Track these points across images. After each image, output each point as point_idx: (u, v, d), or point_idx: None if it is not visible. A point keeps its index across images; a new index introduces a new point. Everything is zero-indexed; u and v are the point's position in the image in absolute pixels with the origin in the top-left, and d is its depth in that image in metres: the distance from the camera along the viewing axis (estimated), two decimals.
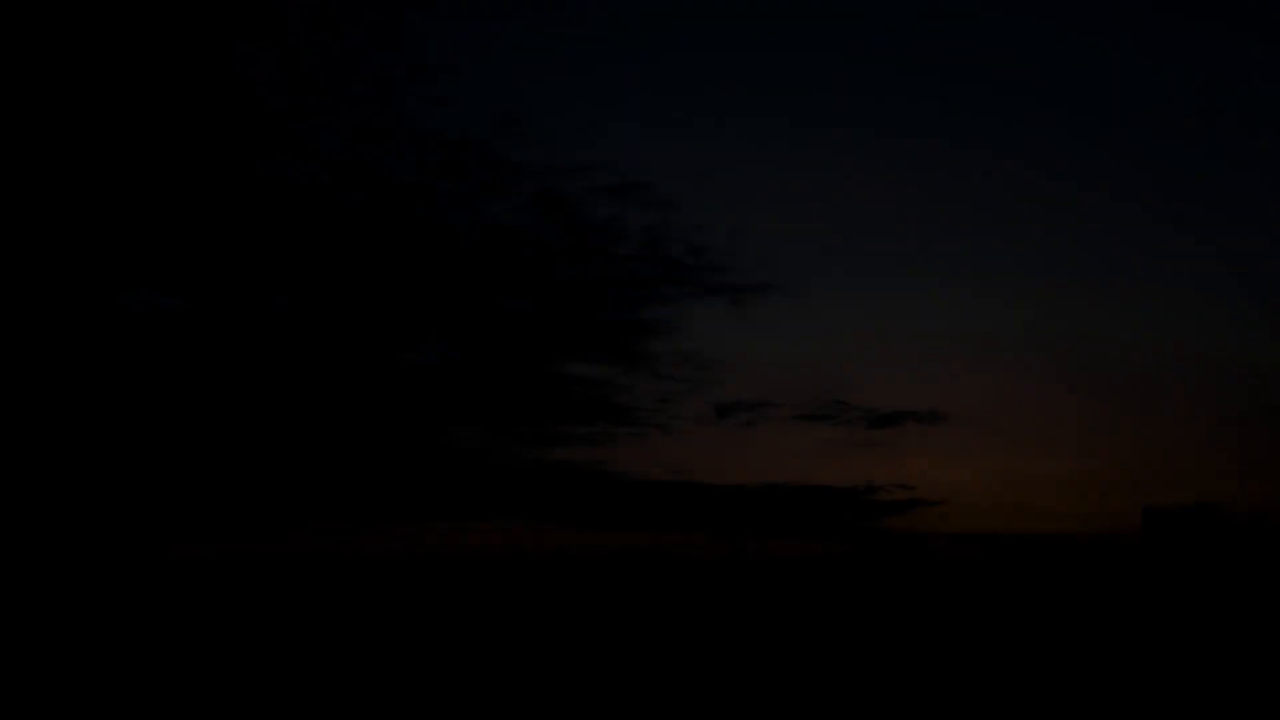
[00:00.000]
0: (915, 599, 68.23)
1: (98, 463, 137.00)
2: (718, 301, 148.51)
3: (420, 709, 22.43)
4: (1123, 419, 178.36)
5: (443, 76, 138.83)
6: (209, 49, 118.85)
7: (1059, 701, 22.20)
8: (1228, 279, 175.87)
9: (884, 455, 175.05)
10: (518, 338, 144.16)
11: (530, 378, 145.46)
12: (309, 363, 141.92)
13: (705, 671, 27.56)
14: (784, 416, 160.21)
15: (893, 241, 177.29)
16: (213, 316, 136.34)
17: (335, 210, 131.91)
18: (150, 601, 72.72)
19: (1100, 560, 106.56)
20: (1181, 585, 73.80)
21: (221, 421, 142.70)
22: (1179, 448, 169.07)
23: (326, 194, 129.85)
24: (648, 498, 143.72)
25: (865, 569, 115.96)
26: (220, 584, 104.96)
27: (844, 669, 27.94)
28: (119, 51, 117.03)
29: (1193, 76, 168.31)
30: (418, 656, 32.41)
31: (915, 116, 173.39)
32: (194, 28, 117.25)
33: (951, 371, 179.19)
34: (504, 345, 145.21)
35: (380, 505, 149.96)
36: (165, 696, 23.99)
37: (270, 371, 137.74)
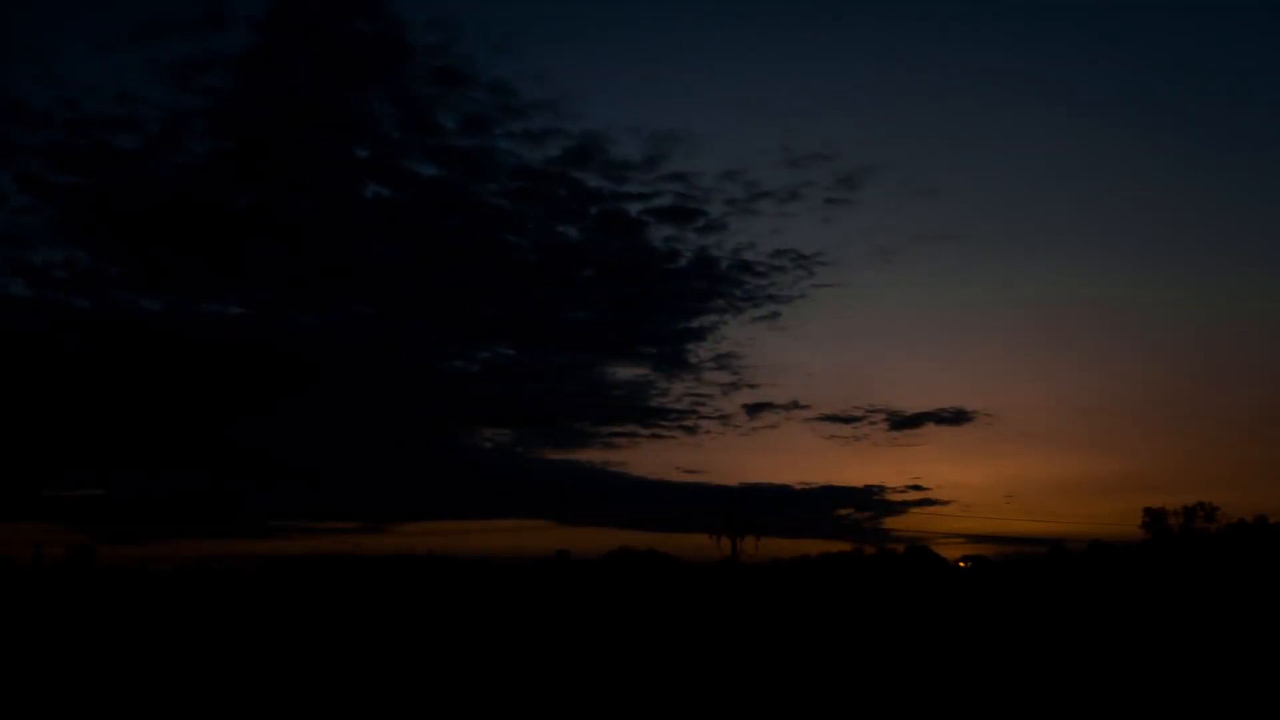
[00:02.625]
0: (917, 598, 68.28)
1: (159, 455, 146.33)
2: (758, 311, 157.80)
3: (424, 701, 22.56)
4: (1129, 423, 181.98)
5: (533, 112, 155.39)
6: (340, 89, 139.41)
7: (1059, 700, 22.30)
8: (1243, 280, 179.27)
9: (902, 456, 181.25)
10: (572, 345, 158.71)
11: (574, 382, 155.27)
12: (376, 369, 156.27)
13: (702, 671, 27.65)
14: (809, 418, 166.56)
15: (927, 253, 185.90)
16: (295, 320, 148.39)
17: (430, 230, 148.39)
18: (209, 589, 72.86)
19: (1101, 560, 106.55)
20: (1181, 586, 73.81)
21: (286, 420, 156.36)
22: (1182, 450, 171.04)
23: (423, 215, 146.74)
24: (657, 498, 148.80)
25: (867, 569, 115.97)
26: (258, 578, 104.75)
27: (842, 668, 28.02)
28: (267, 88, 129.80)
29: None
30: (430, 651, 32.53)
31: (949, 130, 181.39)
32: (329, 72, 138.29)
33: (974, 377, 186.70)
34: (558, 352, 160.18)
35: (399, 505, 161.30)
36: (212, 685, 24.10)
37: (341, 376, 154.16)
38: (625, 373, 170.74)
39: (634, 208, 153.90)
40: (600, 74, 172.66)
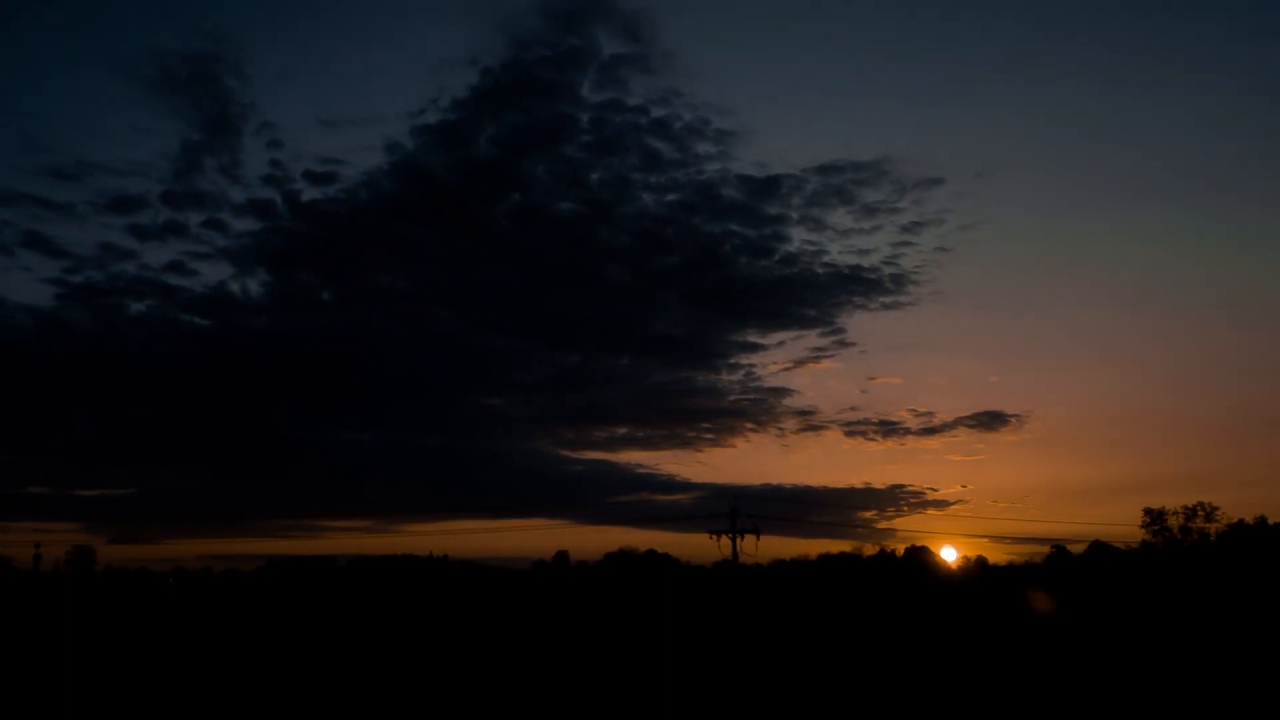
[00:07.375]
0: (910, 599, 68.32)
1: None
2: (826, 328, 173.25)
3: (426, 693, 22.58)
4: (1131, 425, 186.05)
5: (668, 168, 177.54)
6: (509, 154, 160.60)
7: (1060, 698, 22.32)
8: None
9: (930, 459, 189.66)
10: (644, 355, 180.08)
11: (628, 389, 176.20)
12: (449, 380, 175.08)
13: (698, 670, 27.71)
14: (850, 421, 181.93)
15: (973, 281, 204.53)
16: (386, 335, 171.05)
17: (543, 260, 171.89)
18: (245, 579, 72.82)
19: (1101, 561, 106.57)
20: (1181, 586, 73.83)
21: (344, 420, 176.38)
22: (1183, 451, 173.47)
23: (544, 249, 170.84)
24: (662, 498, 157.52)
25: (864, 570, 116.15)
26: (290, 571, 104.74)
27: (834, 667, 28.06)
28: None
29: None
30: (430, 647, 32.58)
31: (994, 176, 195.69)
32: (505, 139, 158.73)
33: (1007, 385, 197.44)
34: (631, 363, 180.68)
35: (416, 505, 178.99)
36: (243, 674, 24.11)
37: (413, 386, 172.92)
38: (688, 381, 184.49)
39: (730, 243, 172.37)
40: (724, 138, 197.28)
